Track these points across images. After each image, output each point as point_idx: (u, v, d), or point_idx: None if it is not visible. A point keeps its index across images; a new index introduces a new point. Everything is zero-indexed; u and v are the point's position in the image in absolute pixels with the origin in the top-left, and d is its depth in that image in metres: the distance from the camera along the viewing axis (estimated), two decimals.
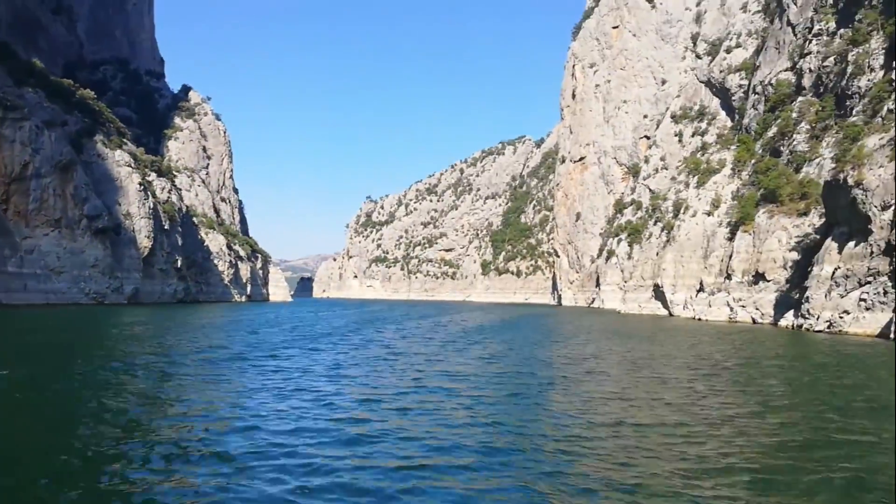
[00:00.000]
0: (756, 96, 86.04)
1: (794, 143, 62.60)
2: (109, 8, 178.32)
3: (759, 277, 54.15)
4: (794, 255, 50.74)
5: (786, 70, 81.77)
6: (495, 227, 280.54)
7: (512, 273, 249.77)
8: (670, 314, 72.32)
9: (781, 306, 49.27)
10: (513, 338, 36.47)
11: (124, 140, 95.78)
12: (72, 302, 74.97)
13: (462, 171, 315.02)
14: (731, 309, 55.35)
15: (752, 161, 71.12)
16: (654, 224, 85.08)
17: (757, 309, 52.49)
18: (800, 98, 68.08)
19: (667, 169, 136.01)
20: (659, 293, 74.69)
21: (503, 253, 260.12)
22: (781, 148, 66.29)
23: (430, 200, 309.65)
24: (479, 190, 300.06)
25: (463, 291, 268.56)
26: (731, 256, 59.78)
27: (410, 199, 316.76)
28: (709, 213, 73.38)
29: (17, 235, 70.95)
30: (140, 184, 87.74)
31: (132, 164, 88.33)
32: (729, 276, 58.51)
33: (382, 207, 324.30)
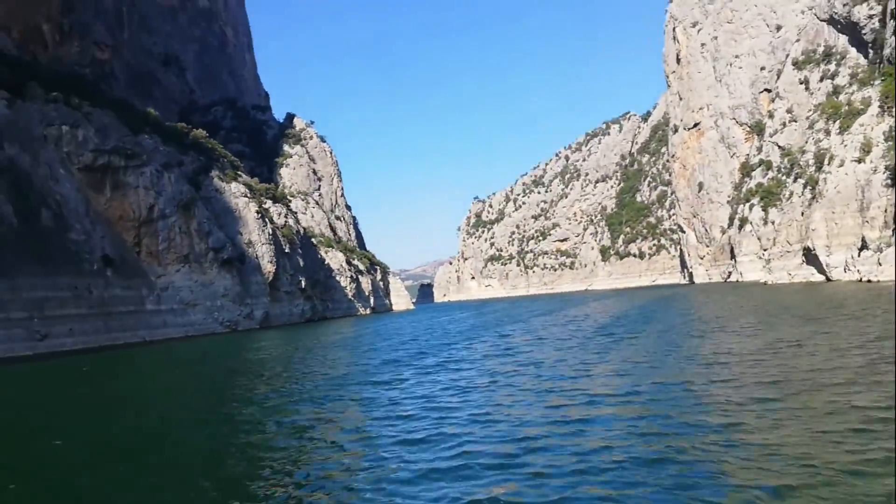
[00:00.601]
0: None
1: None
2: (213, 52, 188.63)
3: None
4: None
5: None
6: (610, 210, 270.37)
7: (634, 256, 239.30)
8: (828, 279, 64.22)
9: None
10: (660, 329, 31.67)
11: (238, 173, 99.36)
12: (208, 332, 78.06)
13: (567, 157, 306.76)
14: None
15: None
16: (794, 181, 76.38)
17: None
18: None
19: (796, 121, 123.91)
20: (811, 257, 66.65)
21: (622, 236, 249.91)
22: None
23: (538, 192, 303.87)
24: (587, 174, 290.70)
25: (584, 281, 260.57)
26: None
27: (518, 194, 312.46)
28: (859, 161, 64.58)
29: (152, 275, 74.69)
30: (257, 212, 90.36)
31: (248, 195, 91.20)
32: None
33: (491, 206, 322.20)
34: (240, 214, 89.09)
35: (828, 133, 74.20)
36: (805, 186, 71.63)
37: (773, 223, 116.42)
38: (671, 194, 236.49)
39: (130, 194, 73.70)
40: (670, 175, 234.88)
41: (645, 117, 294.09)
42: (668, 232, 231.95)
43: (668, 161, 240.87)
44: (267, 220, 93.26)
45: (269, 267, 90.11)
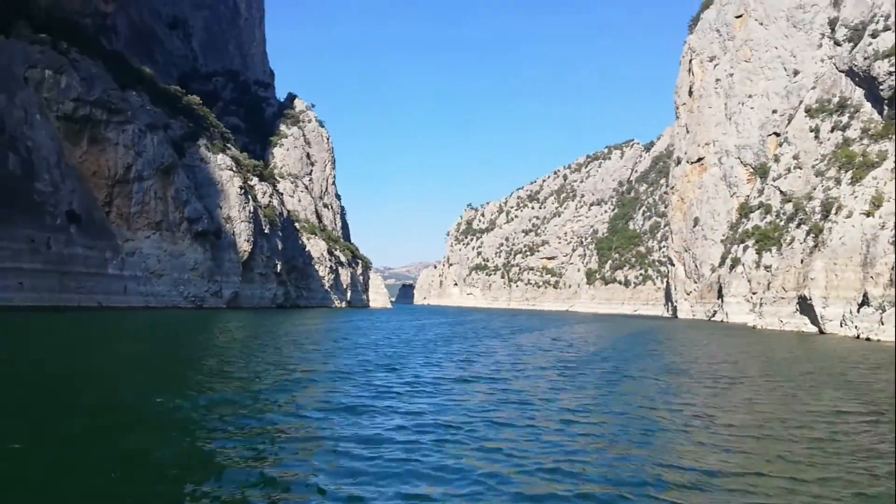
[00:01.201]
0: None
1: None
2: (223, 22, 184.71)
3: None
4: None
5: None
6: (601, 234, 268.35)
7: (619, 282, 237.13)
8: (821, 331, 61.64)
9: None
10: (646, 365, 28.65)
11: (228, 145, 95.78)
12: (171, 305, 74.32)
13: (565, 176, 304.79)
14: None
15: None
16: (797, 227, 73.90)
17: None
18: None
19: (801, 168, 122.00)
20: (806, 306, 64.06)
21: (609, 261, 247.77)
22: None
23: (532, 207, 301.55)
24: (583, 196, 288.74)
25: (566, 301, 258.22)
26: None
27: (511, 207, 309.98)
28: (868, 214, 62.14)
29: (119, 238, 70.88)
30: (241, 187, 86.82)
31: (234, 168, 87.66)
32: None
33: (483, 215, 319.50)
34: (222, 187, 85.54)
35: (838, 182, 71.87)
36: (808, 234, 69.16)
37: (765, 267, 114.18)
38: (664, 226, 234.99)
39: (109, 150, 69.95)
40: (666, 206, 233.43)
41: (648, 147, 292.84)
42: (657, 263, 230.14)
43: (665, 192, 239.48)
44: (250, 197, 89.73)
45: (245, 245, 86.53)
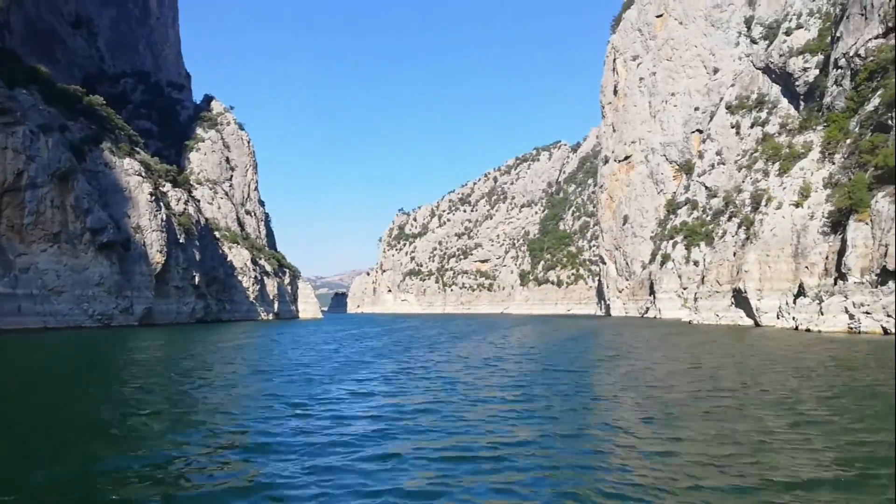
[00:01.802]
0: (839, 71, 74.80)
1: None
2: (132, 21, 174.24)
3: (886, 276, 43.25)
4: None
5: (877, 37, 71.02)
6: (532, 235, 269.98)
7: (552, 283, 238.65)
8: (757, 324, 61.29)
9: None
10: (609, 379, 25.65)
11: (137, 149, 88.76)
12: (74, 325, 67.33)
13: (496, 179, 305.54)
14: (852, 317, 44.33)
15: (849, 141, 60.03)
16: (728, 220, 73.97)
17: (889, 316, 41.54)
18: None
19: (724, 164, 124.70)
20: (741, 299, 63.68)
21: (542, 262, 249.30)
22: (889, 122, 55.23)
23: (464, 210, 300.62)
24: (514, 198, 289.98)
25: (501, 303, 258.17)
26: (841, 253, 48.87)
27: (443, 210, 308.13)
28: (797, 204, 62.33)
29: (10, 252, 63.56)
30: (151, 194, 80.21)
31: (142, 174, 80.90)
32: (843, 277, 47.56)
33: (415, 220, 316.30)
34: (130, 194, 78.73)
35: (766, 174, 72.28)
36: (739, 226, 69.15)
37: (694, 262, 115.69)
38: (594, 225, 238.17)
39: None
40: (595, 206, 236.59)
41: (574, 148, 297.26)
42: (588, 262, 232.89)
43: (594, 192, 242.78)
44: (162, 204, 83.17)
45: (157, 257, 79.97)
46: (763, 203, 66.19)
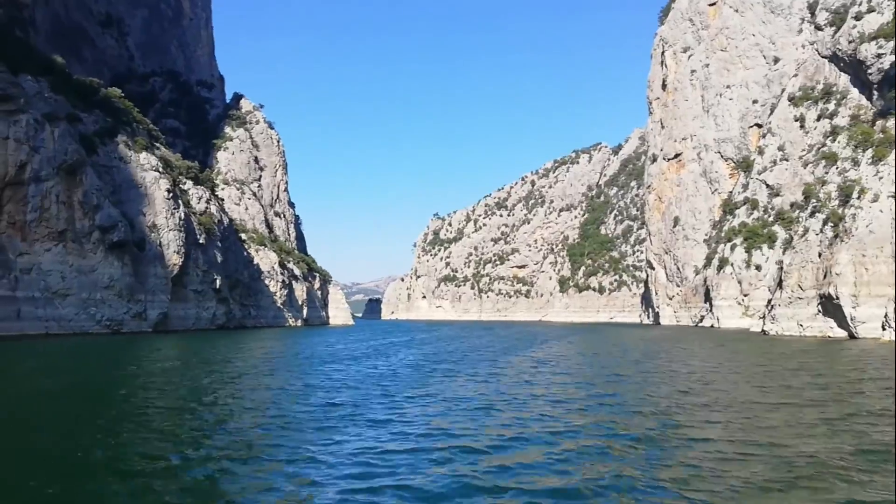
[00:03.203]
0: None
1: None
2: (164, 21, 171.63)
3: None
4: None
5: None
6: (572, 240, 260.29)
7: (594, 289, 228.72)
8: (851, 335, 52.23)
9: None
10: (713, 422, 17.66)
11: (157, 145, 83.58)
12: (80, 331, 61.81)
13: (533, 182, 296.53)
14: None
15: None
16: (811, 216, 64.75)
17: None
18: None
19: (787, 160, 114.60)
20: (831, 307, 54.64)
21: (583, 268, 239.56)
22: None
23: (500, 215, 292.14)
24: (552, 202, 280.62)
25: (539, 311, 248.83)
26: None
27: (479, 215, 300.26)
28: None
29: (11, 251, 58.31)
30: (168, 190, 74.67)
31: (160, 169, 75.41)
32: None
33: (450, 224, 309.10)
34: (146, 191, 73.34)
35: (856, 163, 62.93)
36: (825, 223, 60.01)
37: (756, 267, 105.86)
38: (638, 229, 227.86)
39: None
40: (638, 210, 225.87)
41: (616, 150, 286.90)
42: (632, 268, 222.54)
43: (639, 194, 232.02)
44: (181, 202, 77.61)
45: (174, 258, 74.31)
46: (855, 195, 57.05)
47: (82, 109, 71.50)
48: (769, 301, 68.76)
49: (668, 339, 62.82)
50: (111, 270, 66.00)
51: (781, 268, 65.31)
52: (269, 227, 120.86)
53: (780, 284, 64.10)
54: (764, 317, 69.04)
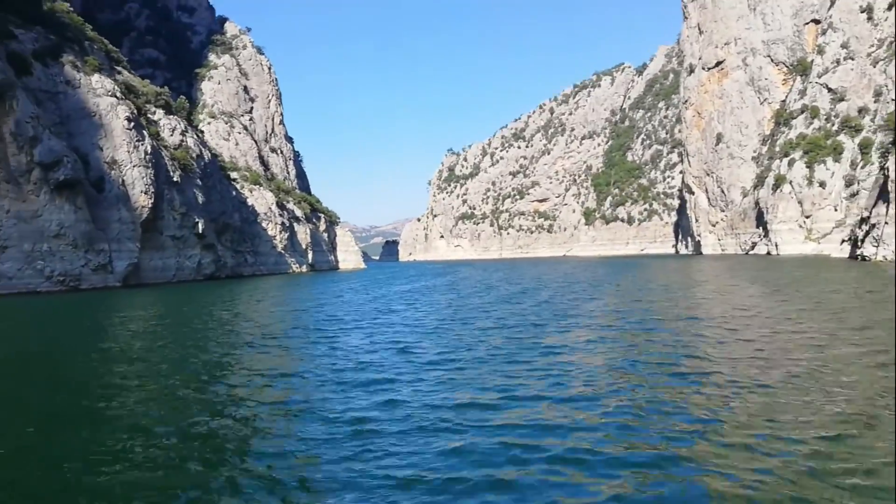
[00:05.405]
0: None
1: None
2: None
3: None
4: None
5: None
6: (596, 169, 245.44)
7: (622, 220, 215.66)
8: None
9: None
10: None
11: (119, 69, 71.13)
12: (27, 290, 51.13)
13: (552, 110, 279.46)
14: None
15: None
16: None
17: None
18: None
19: (853, 59, 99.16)
20: None
21: (609, 198, 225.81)
22: None
23: (518, 147, 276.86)
24: (573, 130, 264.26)
25: (562, 245, 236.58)
26: None
27: (496, 148, 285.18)
28: None
29: None
30: (129, 119, 62.62)
31: (117, 94, 63.11)
32: None
33: (465, 160, 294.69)
34: (101, 120, 61.31)
35: None
36: None
37: (820, 184, 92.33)
38: (668, 153, 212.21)
39: None
40: (668, 133, 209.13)
41: (640, 70, 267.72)
42: (662, 196, 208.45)
43: (667, 116, 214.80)
44: (146, 133, 65.53)
45: (142, 199, 62.89)
46: None
47: (18, 25, 59.14)
48: (862, 220, 55.84)
49: (723, 271, 50.82)
50: (60, 216, 54.70)
51: (886, 176, 52.14)
52: (265, 164, 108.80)
53: (880, 198, 51.10)
54: (855, 240, 56.41)
